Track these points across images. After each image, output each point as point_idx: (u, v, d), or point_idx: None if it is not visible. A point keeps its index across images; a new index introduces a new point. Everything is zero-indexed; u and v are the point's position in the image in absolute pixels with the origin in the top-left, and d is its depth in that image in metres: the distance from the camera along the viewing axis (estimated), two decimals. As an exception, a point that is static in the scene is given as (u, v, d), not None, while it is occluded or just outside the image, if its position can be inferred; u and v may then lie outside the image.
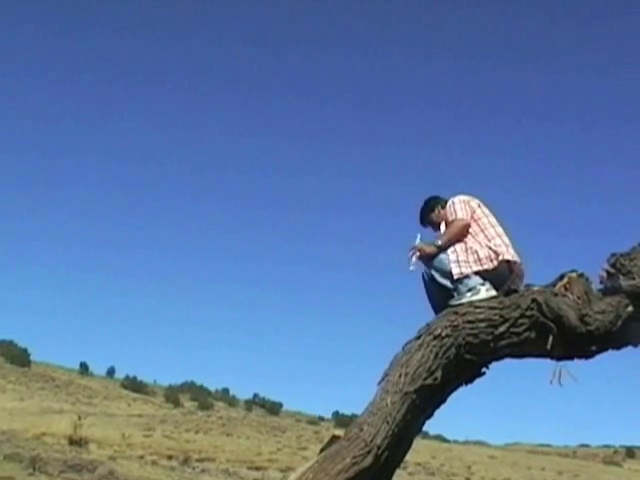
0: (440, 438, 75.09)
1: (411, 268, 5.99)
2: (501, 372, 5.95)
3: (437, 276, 5.92)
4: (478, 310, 5.61)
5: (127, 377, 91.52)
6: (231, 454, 40.00)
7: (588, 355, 5.51)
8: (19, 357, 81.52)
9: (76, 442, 30.71)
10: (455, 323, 5.59)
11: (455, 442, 75.61)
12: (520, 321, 5.48)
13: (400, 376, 5.51)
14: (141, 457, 33.79)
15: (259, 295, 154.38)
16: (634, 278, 5.33)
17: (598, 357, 5.53)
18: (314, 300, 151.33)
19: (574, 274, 5.52)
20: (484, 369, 5.82)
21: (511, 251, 5.93)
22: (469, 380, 5.86)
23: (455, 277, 5.81)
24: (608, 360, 5.70)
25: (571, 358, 5.50)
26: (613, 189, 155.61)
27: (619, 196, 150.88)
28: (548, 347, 5.38)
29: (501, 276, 5.81)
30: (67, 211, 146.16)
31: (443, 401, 5.83)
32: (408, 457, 6.49)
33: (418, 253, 5.95)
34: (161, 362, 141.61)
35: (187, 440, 43.53)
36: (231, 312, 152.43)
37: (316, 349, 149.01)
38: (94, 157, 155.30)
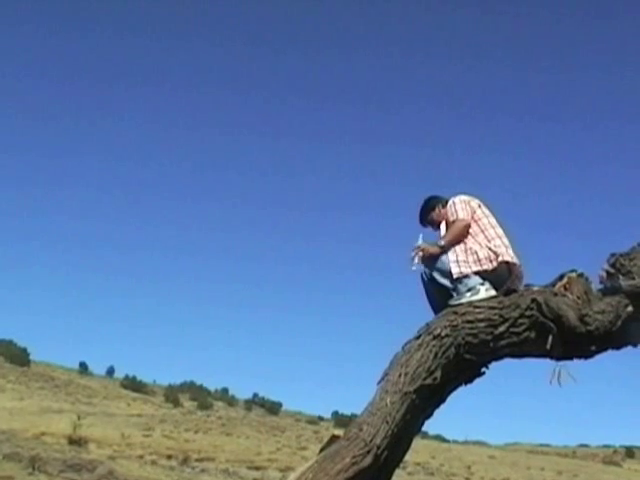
0: (440, 438, 75.11)
1: (413, 268, 5.99)
2: (501, 372, 5.96)
3: (437, 276, 5.93)
4: (478, 310, 5.61)
5: (127, 377, 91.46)
6: (231, 454, 40.01)
7: (588, 355, 5.51)
8: (19, 357, 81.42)
9: (75, 442, 30.75)
10: (455, 323, 5.59)
11: (455, 442, 75.67)
12: (520, 321, 5.48)
13: (400, 376, 5.50)
14: (140, 457, 33.82)
15: (259, 295, 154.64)
16: (634, 278, 5.33)
17: (598, 357, 5.53)
18: (314, 300, 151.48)
19: (574, 274, 5.52)
20: (484, 369, 5.82)
21: (511, 252, 5.93)
22: (469, 380, 5.86)
23: (455, 277, 5.81)
24: (608, 360, 5.71)
25: (571, 358, 5.50)
26: (613, 189, 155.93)
27: (619, 196, 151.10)
28: (548, 347, 5.38)
29: (500, 277, 5.80)
30: (67, 211, 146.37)
31: (442, 401, 5.82)
32: (407, 457, 6.49)
33: (421, 253, 5.96)
34: (161, 362, 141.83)
35: (186, 440, 43.53)
36: (231, 312, 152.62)
37: (316, 349, 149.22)
38: (94, 157, 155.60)
